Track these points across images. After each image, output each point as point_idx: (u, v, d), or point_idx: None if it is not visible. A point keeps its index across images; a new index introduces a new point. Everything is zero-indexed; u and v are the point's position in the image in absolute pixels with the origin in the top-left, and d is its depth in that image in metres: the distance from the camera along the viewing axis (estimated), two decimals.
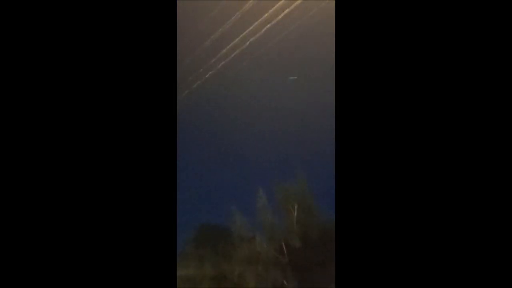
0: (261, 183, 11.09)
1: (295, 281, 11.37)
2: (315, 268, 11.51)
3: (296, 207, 11.69)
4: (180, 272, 10.93)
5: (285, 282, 11.36)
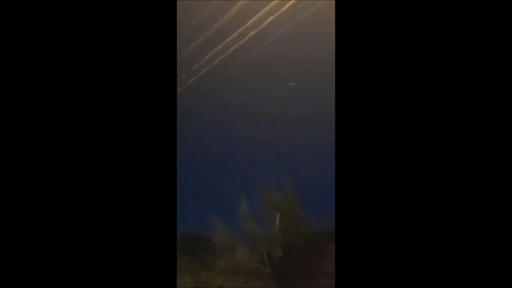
0: (244, 191, 10.86)
1: None
2: (298, 278, 11.27)
3: (278, 216, 11.42)
4: None
5: None
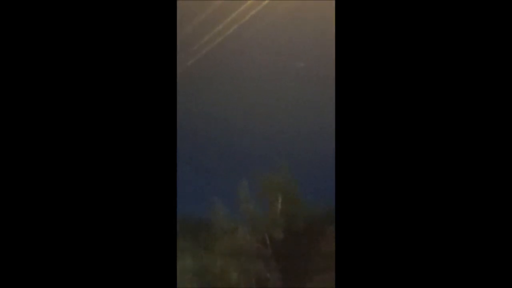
0: (244, 173, 10.88)
1: (279, 274, 11.19)
2: (298, 260, 11.34)
3: (280, 198, 11.45)
4: None
5: (269, 275, 11.17)
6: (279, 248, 11.25)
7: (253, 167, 10.63)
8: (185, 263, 10.87)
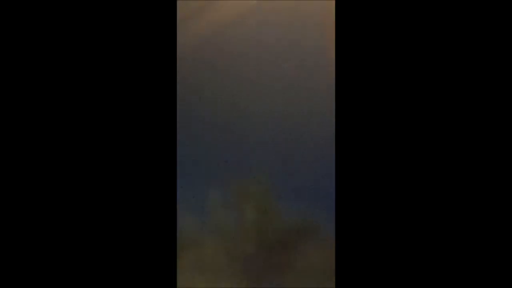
0: (216, 181, 10.34)
1: None
2: (270, 274, 10.95)
3: (251, 208, 11.00)
4: None
5: None
6: (249, 261, 10.82)
7: (228, 175, 10.17)
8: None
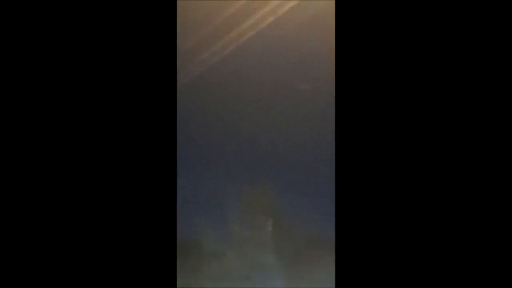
0: (236, 194, 10.52)
1: None
2: (287, 285, 11.12)
3: (271, 221, 11.24)
4: None
5: None
6: (267, 271, 11.02)
7: (246, 187, 10.30)
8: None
